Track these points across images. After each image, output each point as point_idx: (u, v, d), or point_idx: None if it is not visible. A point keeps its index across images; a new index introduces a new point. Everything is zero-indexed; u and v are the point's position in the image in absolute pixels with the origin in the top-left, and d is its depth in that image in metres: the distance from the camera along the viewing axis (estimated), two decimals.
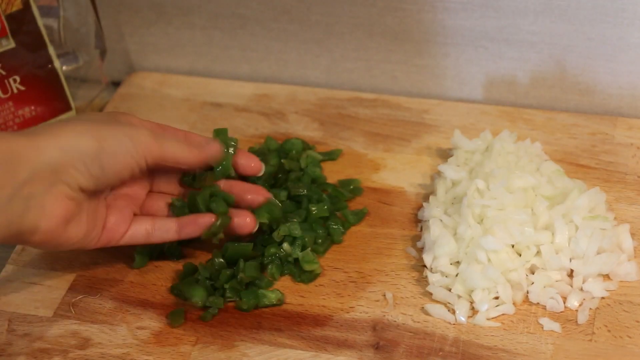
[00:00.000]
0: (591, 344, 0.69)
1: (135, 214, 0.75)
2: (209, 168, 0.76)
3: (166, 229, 0.74)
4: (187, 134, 0.76)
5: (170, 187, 0.77)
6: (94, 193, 0.71)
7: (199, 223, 0.74)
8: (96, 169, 0.68)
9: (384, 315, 0.72)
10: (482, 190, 0.75)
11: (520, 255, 0.73)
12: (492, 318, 0.71)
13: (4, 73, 0.86)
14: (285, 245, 0.75)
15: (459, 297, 0.72)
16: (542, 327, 0.70)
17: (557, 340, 0.70)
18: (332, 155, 0.86)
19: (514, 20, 0.88)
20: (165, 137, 0.72)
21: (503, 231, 0.72)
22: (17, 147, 0.64)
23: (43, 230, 0.67)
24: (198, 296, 0.73)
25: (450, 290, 0.72)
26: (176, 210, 0.75)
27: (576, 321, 0.71)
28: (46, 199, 0.66)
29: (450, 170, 0.79)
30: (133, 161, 0.70)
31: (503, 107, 0.90)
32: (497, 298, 0.72)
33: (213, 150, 0.75)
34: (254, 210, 0.75)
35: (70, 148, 0.66)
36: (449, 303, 0.72)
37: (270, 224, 0.76)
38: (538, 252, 0.73)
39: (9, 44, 0.85)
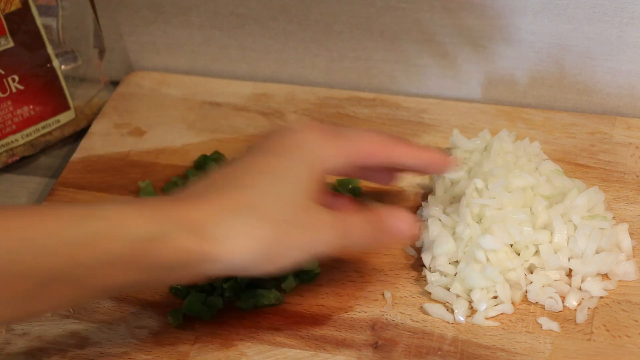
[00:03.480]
0: (590, 343, 0.69)
1: None
2: None
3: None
4: (378, 214, 0.68)
5: None
6: None
7: None
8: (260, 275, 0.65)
9: (383, 315, 0.72)
10: (480, 190, 0.75)
11: (518, 254, 0.73)
12: (491, 317, 0.71)
13: (2, 72, 0.86)
14: None
15: (458, 296, 0.72)
16: (541, 327, 0.70)
17: (555, 339, 0.70)
18: None
19: (512, 19, 0.88)
20: (348, 237, 0.66)
21: (502, 230, 0.72)
22: (194, 257, 0.61)
23: None
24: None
25: (449, 289, 0.72)
26: None
27: (575, 320, 0.71)
28: None
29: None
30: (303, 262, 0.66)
31: (502, 107, 0.90)
32: (495, 297, 0.72)
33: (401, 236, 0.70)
34: None
35: (243, 267, 0.62)
36: (448, 302, 0.72)
37: None
38: (537, 252, 0.73)
39: (8, 43, 0.85)
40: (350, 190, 0.82)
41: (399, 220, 0.68)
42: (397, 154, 0.70)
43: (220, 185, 0.64)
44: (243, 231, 0.61)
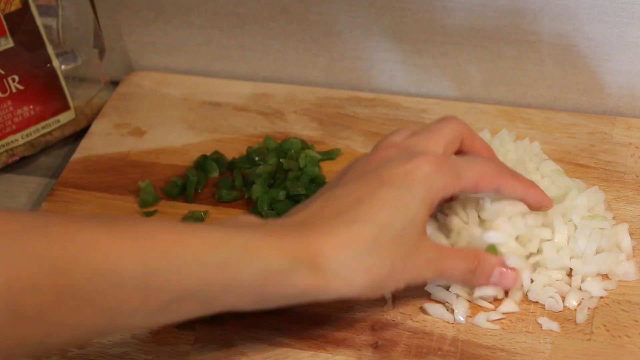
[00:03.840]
0: (590, 343, 0.69)
1: None
2: None
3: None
4: (481, 262, 0.70)
5: None
6: None
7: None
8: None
9: (383, 315, 0.72)
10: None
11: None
12: (494, 320, 0.71)
13: (2, 72, 0.86)
14: None
15: (458, 296, 0.72)
16: (541, 327, 0.70)
17: (555, 339, 0.70)
18: (330, 155, 0.86)
19: (512, 19, 0.88)
20: (446, 274, 0.69)
21: (506, 223, 0.72)
22: (310, 289, 0.63)
23: None
24: None
25: (448, 289, 0.72)
26: None
27: (575, 320, 0.71)
28: None
29: None
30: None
31: (502, 107, 0.90)
32: (499, 300, 0.72)
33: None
34: None
35: (351, 295, 0.65)
36: (448, 303, 0.72)
37: None
38: (538, 251, 0.73)
39: (8, 43, 0.85)
40: None
41: (494, 271, 0.70)
42: (507, 188, 0.71)
43: (337, 212, 0.65)
44: (361, 268, 0.64)
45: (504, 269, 0.70)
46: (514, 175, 0.72)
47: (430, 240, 0.69)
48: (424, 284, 0.72)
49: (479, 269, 0.69)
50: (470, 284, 0.71)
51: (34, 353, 0.62)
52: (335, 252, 0.63)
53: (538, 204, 0.72)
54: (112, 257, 0.58)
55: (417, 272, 0.67)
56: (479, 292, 0.71)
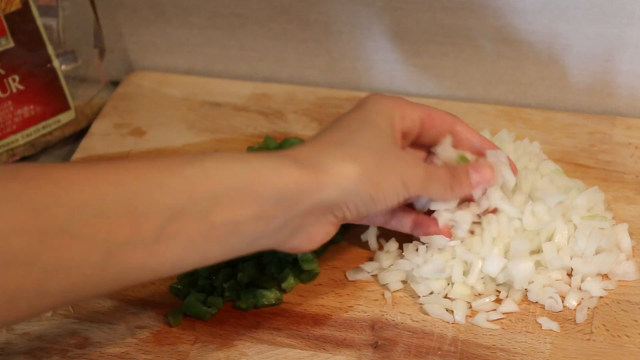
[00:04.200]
0: (589, 343, 0.69)
1: None
2: None
3: (401, 223, 0.74)
4: (457, 170, 0.73)
5: None
6: None
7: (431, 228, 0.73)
8: (364, 209, 0.67)
9: (383, 315, 0.72)
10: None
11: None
12: (494, 320, 0.71)
13: (3, 72, 0.86)
14: None
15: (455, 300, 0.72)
16: (541, 327, 0.70)
17: (555, 339, 0.70)
18: None
19: (512, 19, 0.88)
20: (433, 178, 0.70)
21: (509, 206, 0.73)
22: (303, 184, 0.64)
23: (300, 249, 0.68)
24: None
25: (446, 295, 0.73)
26: None
27: (575, 320, 0.71)
28: (314, 228, 0.66)
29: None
30: (398, 200, 0.68)
31: (501, 107, 0.90)
32: (499, 301, 0.72)
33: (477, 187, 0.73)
34: None
35: (350, 192, 0.65)
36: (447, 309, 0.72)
37: None
38: (539, 251, 0.73)
39: (8, 43, 0.85)
40: None
41: (476, 173, 0.72)
42: (462, 126, 0.74)
43: (316, 136, 0.68)
44: (345, 156, 0.65)
45: (478, 167, 0.72)
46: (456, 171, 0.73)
47: (409, 154, 0.72)
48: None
49: (456, 176, 0.71)
50: (456, 193, 0.72)
51: (44, 305, 0.59)
52: (317, 150, 0.65)
53: (491, 154, 0.74)
54: (88, 188, 0.57)
55: (406, 165, 0.68)
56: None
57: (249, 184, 0.62)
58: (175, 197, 0.59)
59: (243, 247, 0.64)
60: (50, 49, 0.88)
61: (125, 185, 0.58)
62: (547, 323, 0.70)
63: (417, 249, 0.74)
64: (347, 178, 0.65)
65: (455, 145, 0.74)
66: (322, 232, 0.67)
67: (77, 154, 0.89)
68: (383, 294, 0.74)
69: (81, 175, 0.58)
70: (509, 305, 0.71)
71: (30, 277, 0.55)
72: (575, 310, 0.71)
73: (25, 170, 0.57)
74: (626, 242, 0.75)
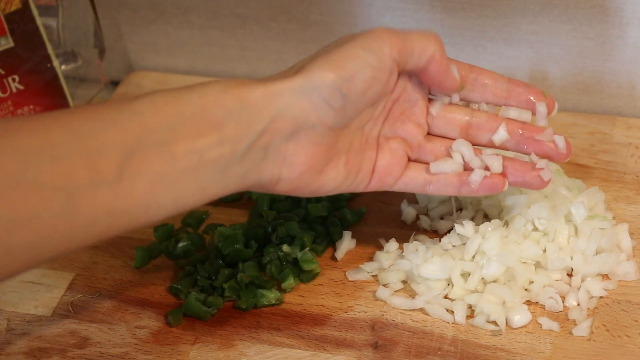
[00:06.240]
0: (590, 343, 0.69)
1: (410, 159, 0.71)
2: None
3: (446, 183, 0.70)
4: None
5: (449, 126, 0.71)
6: (355, 133, 0.67)
7: (487, 184, 0.69)
8: (337, 100, 0.63)
9: (383, 315, 0.72)
10: None
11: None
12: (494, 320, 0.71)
13: (3, 72, 0.86)
14: (284, 245, 0.75)
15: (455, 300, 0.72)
16: (541, 327, 0.70)
17: (555, 339, 0.70)
18: None
19: (512, 19, 0.88)
20: (406, 32, 0.65)
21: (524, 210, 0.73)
22: (251, 98, 0.61)
23: (286, 179, 0.64)
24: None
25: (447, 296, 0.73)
26: None
27: (575, 321, 0.71)
28: (287, 147, 0.63)
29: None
30: (376, 71, 0.64)
31: None
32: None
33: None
34: None
35: (305, 87, 0.62)
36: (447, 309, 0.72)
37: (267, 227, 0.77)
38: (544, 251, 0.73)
39: (8, 43, 0.85)
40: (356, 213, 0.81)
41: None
42: (483, 77, 0.69)
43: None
44: (325, 65, 0.63)
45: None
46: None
47: None
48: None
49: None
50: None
51: (11, 264, 0.56)
52: (277, 73, 0.63)
53: (527, 101, 0.71)
54: (38, 134, 0.55)
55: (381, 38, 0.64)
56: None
57: (199, 110, 0.60)
58: (128, 131, 0.57)
59: (217, 180, 0.61)
60: (50, 49, 0.88)
61: (77, 127, 0.56)
62: (547, 323, 0.70)
63: (417, 249, 0.74)
64: (300, 75, 0.62)
65: (474, 94, 0.70)
66: (302, 154, 0.64)
67: None
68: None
69: (30, 124, 0.56)
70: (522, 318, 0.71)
71: None
72: (575, 310, 0.71)
73: None
74: (626, 242, 0.75)
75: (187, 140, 0.59)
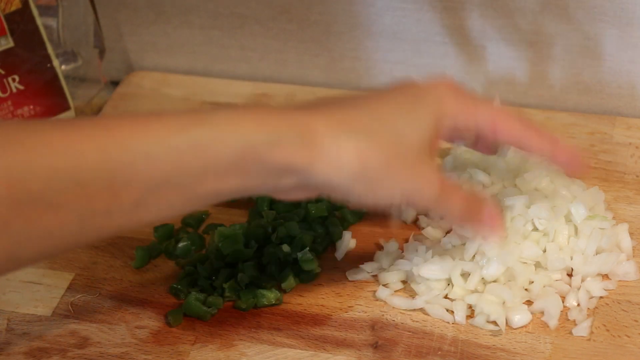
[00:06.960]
0: (590, 343, 0.69)
1: None
2: None
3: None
4: (474, 201, 0.67)
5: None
6: None
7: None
8: (350, 199, 0.63)
9: (383, 315, 0.72)
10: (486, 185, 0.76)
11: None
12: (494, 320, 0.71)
13: (3, 72, 0.86)
14: (284, 245, 0.75)
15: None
16: (541, 327, 0.70)
17: (555, 339, 0.70)
18: None
19: (512, 19, 0.88)
20: (442, 202, 0.64)
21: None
22: (294, 165, 0.59)
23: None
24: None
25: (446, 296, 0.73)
26: None
27: (575, 321, 0.71)
28: (293, 194, 0.62)
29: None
30: (391, 204, 0.64)
31: None
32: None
33: None
34: None
35: (339, 184, 0.61)
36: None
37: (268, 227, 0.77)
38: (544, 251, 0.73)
39: (8, 43, 0.85)
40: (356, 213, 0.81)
41: (489, 216, 0.67)
42: (531, 141, 0.67)
43: (342, 104, 0.63)
44: (351, 148, 0.60)
45: (490, 211, 0.67)
46: (538, 130, 0.67)
47: (435, 164, 0.64)
48: (420, 212, 0.70)
49: (471, 210, 0.66)
50: (462, 222, 0.69)
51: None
52: (324, 127, 0.59)
53: (569, 165, 0.69)
54: (69, 155, 0.54)
55: (417, 180, 0.62)
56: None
57: (240, 160, 0.58)
58: (160, 168, 0.57)
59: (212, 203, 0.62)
60: (50, 49, 0.88)
61: (109, 153, 0.55)
62: (547, 323, 0.70)
63: (417, 249, 0.74)
64: (343, 171, 0.60)
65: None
66: (301, 196, 0.63)
67: None
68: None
69: (62, 139, 0.55)
70: (522, 318, 0.71)
71: (1, 243, 0.53)
72: (575, 310, 0.71)
73: None
74: (626, 242, 0.75)
75: (212, 184, 0.59)
